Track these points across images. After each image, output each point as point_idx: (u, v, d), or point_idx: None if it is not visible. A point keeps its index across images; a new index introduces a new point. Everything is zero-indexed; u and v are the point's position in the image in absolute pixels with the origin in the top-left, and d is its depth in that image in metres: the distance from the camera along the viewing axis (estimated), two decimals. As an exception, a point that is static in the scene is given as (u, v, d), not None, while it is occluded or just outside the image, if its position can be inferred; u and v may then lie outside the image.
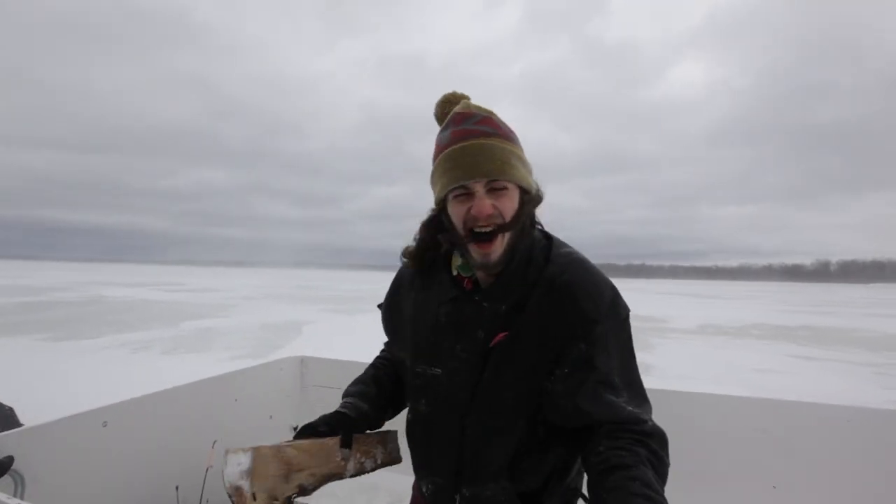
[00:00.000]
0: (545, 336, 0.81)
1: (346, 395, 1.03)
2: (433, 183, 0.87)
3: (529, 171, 0.86)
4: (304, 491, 0.81)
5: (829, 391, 6.53)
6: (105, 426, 1.34)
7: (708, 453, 1.64)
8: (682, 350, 10.63)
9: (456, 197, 0.82)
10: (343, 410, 0.96)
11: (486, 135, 0.81)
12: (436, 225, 0.91)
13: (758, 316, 20.75)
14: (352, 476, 0.89)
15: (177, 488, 1.50)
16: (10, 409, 2.62)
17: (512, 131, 0.86)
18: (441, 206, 0.87)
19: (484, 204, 0.80)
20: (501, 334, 0.83)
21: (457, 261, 0.91)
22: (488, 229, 0.80)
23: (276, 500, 0.75)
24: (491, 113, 0.85)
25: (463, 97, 0.89)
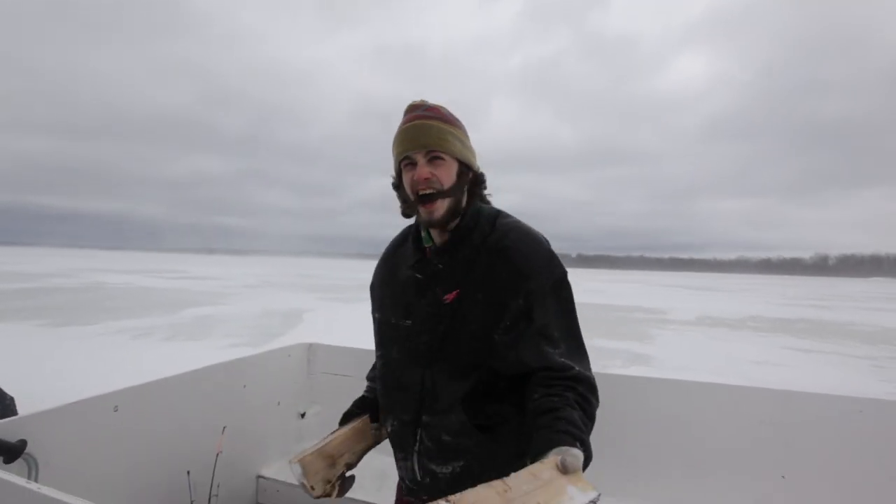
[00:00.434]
0: (489, 293, 0.94)
1: (368, 379, 1.24)
2: (393, 157, 1.05)
3: (469, 150, 1.03)
4: (350, 466, 1.07)
5: (828, 384, 6.59)
6: (116, 411, 1.33)
7: (717, 443, 1.64)
8: (680, 341, 10.70)
9: (405, 167, 1.00)
10: (367, 394, 1.19)
11: (429, 118, 0.99)
12: (402, 198, 1.07)
13: (756, 308, 20.87)
14: (379, 443, 1.14)
15: (188, 473, 1.49)
16: (11, 399, 2.61)
17: (456, 119, 1.03)
18: (399, 176, 1.05)
19: (423, 170, 0.96)
20: (454, 292, 0.97)
21: (424, 235, 1.07)
22: (429, 191, 0.96)
23: (329, 481, 1.02)
24: (440, 106, 1.02)
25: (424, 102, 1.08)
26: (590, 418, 0.84)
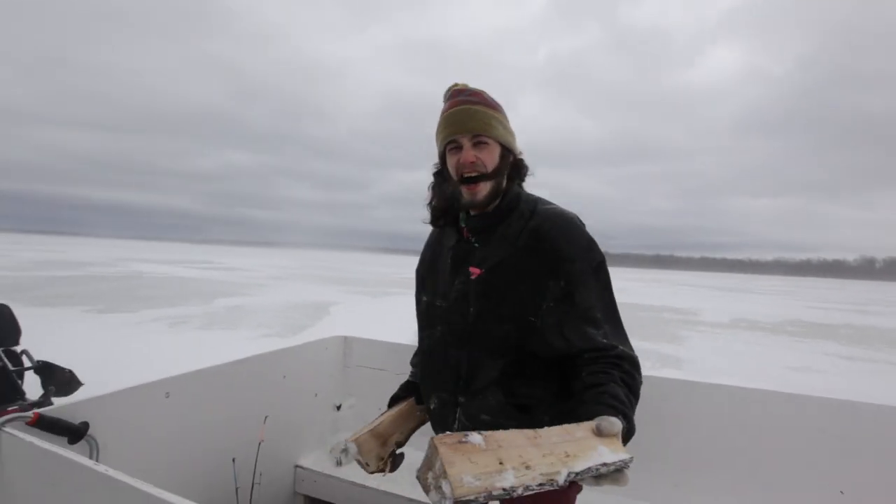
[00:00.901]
0: (527, 275, 0.96)
1: (412, 364, 1.30)
2: (436, 141, 1.08)
3: (510, 134, 1.06)
4: (400, 444, 1.14)
5: (874, 394, 6.22)
6: (167, 397, 1.37)
7: (771, 454, 1.56)
8: (713, 344, 10.32)
9: (450, 150, 1.04)
10: (412, 379, 1.26)
11: (473, 102, 1.02)
12: (440, 182, 1.09)
13: (795, 312, 19.91)
14: (424, 424, 1.20)
15: (233, 460, 1.53)
16: (70, 371, 2.75)
17: (498, 104, 1.06)
18: (442, 159, 1.08)
19: (469, 154, 1.00)
20: (481, 270, 1.00)
21: (462, 216, 1.09)
22: (473, 174, 1.00)
23: (382, 458, 1.09)
24: (482, 90, 1.05)
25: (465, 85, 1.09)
26: (634, 395, 0.87)
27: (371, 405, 2.14)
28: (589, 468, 0.66)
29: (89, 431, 1.14)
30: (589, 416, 0.76)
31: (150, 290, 14.40)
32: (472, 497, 0.58)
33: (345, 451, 1.04)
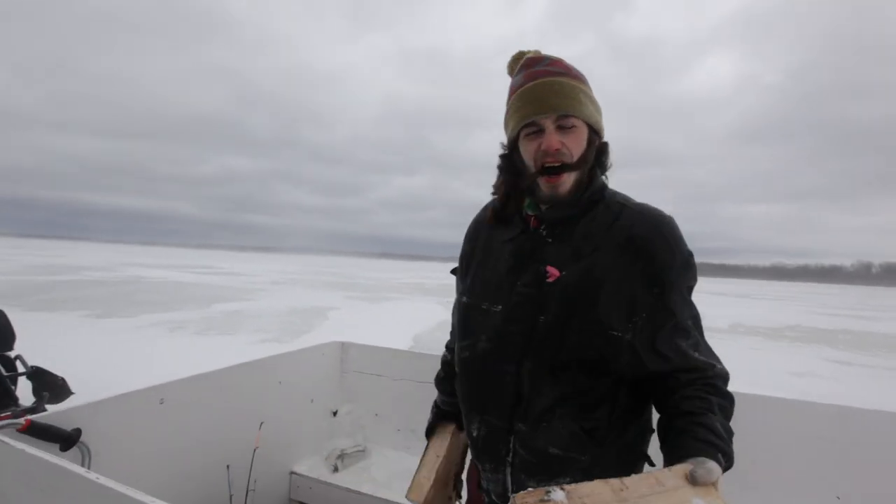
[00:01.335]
0: (618, 281, 0.82)
1: (440, 384, 1.15)
2: (506, 124, 0.91)
3: (599, 112, 0.89)
4: (459, 473, 1.09)
5: (873, 400, 6.21)
6: (162, 403, 1.37)
7: (767, 459, 1.55)
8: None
9: (527, 135, 0.86)
10: (439, 402, 1.14)
11: (556, 73, 0.85)
12: (509, 170, 0.93)
13: (794, 317, 19.91)
14: None
15: (227, 467, 1.52)
16: (63, 379, 2.73)
17: (582, 74, 0.89)
18: (513, 145, 0.90)
19: (553, 139, 0.83)
20: (561, 271, 0.84)
21: (525, 201, 0.92)
22: (557, 164, 0.83)
23: (450, 498, 1.06)
24: (561, 59, 0.89)
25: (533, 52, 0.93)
26: (728, 418, 0.80)
27: (368, 411, 2.13)
28: None
29: (82, 438, 1.14)
30: (681, 455, 0.68)
31: (148, 295, 14.36)
32: None
33: None
